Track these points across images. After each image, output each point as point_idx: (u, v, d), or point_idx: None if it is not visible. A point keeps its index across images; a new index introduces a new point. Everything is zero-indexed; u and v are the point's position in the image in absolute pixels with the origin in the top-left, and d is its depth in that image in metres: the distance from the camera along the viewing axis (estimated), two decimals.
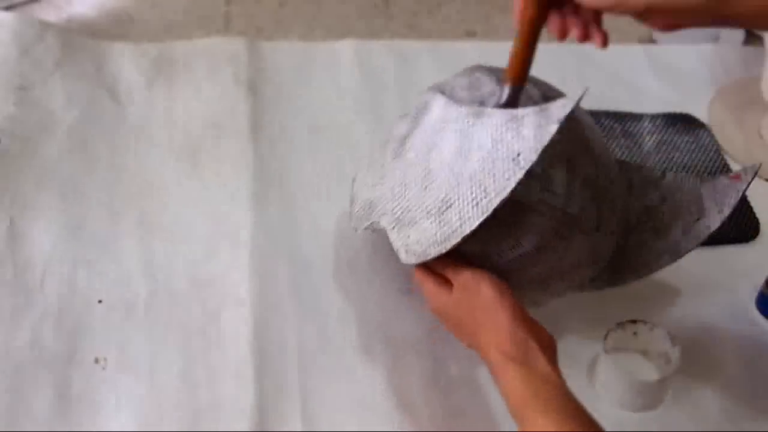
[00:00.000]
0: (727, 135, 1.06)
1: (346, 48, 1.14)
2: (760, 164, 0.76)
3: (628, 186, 0.80)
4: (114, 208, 0.94)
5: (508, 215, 0.67)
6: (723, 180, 0.78)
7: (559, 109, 0.64)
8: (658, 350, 0.81)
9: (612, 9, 0.68)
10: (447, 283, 0.73)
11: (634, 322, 0.81)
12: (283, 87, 1.09)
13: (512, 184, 0.63)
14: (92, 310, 0.85)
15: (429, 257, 0.69)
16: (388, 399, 0.80)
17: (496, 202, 0.64)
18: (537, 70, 1.13)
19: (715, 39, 1.19)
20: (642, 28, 1.23)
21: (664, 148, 1.04)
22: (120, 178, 0.97)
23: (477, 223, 0.64)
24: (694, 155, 1.03)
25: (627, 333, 0.81)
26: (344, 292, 0.88)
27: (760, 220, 0.97)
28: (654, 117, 1.07)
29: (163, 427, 0.77)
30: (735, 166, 1.02)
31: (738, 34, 1.20)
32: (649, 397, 0.80)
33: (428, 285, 0.74)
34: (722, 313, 0.88)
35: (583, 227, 0.71)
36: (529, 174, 0.63)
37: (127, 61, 1.09)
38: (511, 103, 0.72)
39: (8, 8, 1.14)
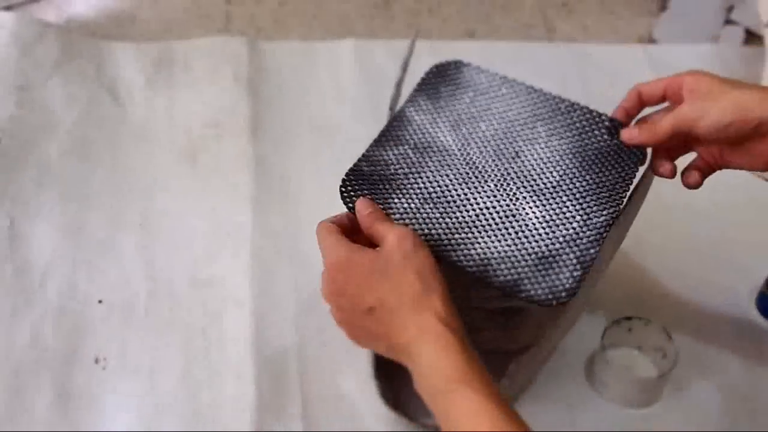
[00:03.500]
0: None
1: (346, 48, 1.14)
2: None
3: None
4: (114, 208, 0.94)
5: None
6: None
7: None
8: (654, 345, 0.82)
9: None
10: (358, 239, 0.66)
11: (629, 318, 0.81)
12: (283, 87, 1.09)
13: None
14: (92, 310, 0.85)
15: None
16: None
17: None
18: (537, 70, 1.14)
19: (715, 39, 1.19)
20: (642, 28, 1.23)
21: None
22: (120, 178, 0.97)
23: None
24: None
25: (622, 329, 0.81)
26: None
27: (760, 219, 0.97)
28: None
29: (163, 427, 0.77)
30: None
31: (738, 34, 1.19)
32: (648, 393, 0.80)
33: (335, 239, 0.65)
34: (722, 313, 0.88)
35: None
36: None
37: (127, 61, 1.09)
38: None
39: (8, 8, 1.14)
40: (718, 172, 0.73)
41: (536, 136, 0.74)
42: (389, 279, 0.60)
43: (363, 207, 0.66)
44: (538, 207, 0.69)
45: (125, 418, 0.78)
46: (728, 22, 1.20)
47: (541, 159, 0.73)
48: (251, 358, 0.82)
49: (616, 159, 0.73)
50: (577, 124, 0.75)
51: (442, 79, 0.80)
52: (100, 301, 0.86)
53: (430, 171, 0.71)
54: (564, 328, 0.80)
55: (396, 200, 0.69)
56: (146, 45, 1.12)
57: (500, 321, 0.74)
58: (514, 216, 0.68)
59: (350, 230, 0.66)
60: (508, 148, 0.73)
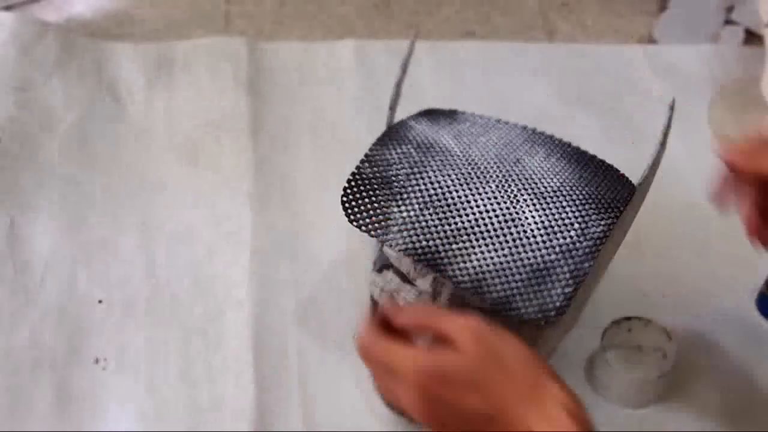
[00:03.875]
0: (727, 135, 1.06)
1: (346, 48, 1.14)
2: None
3: None
4: (114, 207, 0.94)
5: None
6: None
7: None
8: (654, 346, 0.82)
9: None
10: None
11: (628, 319, 0.81)
12: (283, 87, 1.09)
13: None
14: (92, 310, 0.85)
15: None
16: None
17: None
18: (537, 70, 1.14)
19: (715, 39, 1.19)
20: (642, 28, 1.23)
21: None
22: (120, 178, 0.97)
23: None
24: None
25: (622, 330, 0.81)
26: (344, 291, 0.88)
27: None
28: None
29: (163, 427, 0.77)
30: None
31: (738, 34, 1.19)
32: (648, 393, 0.80)
33: (398, 347, 0.57)
34: (722, 313, 0.88)
35: None
36: None
37: (127, 61, 1.09)
38: None
39: (8, 8, 1.14)
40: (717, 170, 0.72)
41: (536, 152, 0.75)
42: (488, 375, 0.54)
43: (411, 311, 0.60)
44: (537, 211, 0.69)
45: (125, 419, 0.78)
46: (728, 22, 1.20)
47: (542, 167, 0.73)
48: (251, 358, 0.82)
49: (614, 178, 0.73)
50: (577, 151, 0.76)
51: (437, 113, 0.80)
52: (100, 301, 0.86)
53: (432, 171, 0.71)
54: (564, 329, 0.80)
55: (395, 208, 0.69)
56: (146, 45, 1.12)
57: (500, 321, 0.74)
58: (513, 220, 0.68)
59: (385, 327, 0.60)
60: (509, 155, 0.74)
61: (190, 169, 0.98)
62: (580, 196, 0.70)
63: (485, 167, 0.72)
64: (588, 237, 0.67)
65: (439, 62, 1.13)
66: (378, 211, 0.69)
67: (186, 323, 0.85)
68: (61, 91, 1.04)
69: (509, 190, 0.70)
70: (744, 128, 1.07)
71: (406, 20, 1.22)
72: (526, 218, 0.68)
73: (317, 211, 0.95)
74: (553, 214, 0.69)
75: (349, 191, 0.70)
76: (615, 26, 1.22)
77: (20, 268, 0.87)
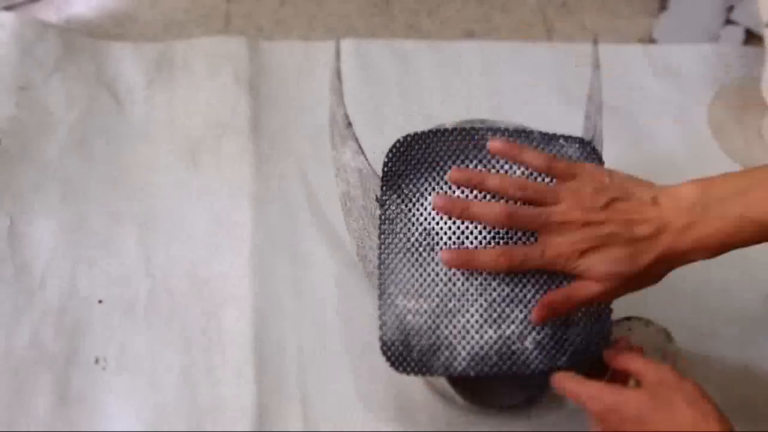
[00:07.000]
0: (727, 135, 1.06)
1: (346, 48, 1.14)
2: None
3: None
4: (114, 207, 0.94)
5: None
6: None
7: None
8: (654, 346, 0.81)
9: None
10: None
11: (628, 318, 0.81)
12: (283, 86, 1.09)
13: None
14: (92, 310, 0.85)
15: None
16: (388, 399, 0.80)
17: None
18: (537, 70, 1.14)
19: (715, 39, 1.20)
20: (642, 28, 1.23)
21: None
22: (120, 178, 0.97)
23: None
24: None
25: (622, 330, 0.81)
26: (344, 291, 0.88)
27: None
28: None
29: (163, 427, 0.78)
30: (735, 167, 1.02)
31: (738, 34, 1.20)
32: None
33: (593, 386, 0.66)
34: (723, 313, 0.88)
35: None
36: None
37: (127, 61, 1.09)
38: None
39: (8, 8, 1.14)
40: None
41: None
42: (660, 413, 0.61)
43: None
44: None
45: (125, 419, 0.78)
46: (728, 22, 1.20)
47: None
48: (251, 358, 0.82)
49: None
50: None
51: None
52: (100, 301, 0.86)
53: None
54: None
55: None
56: (146, 45, 1.12)
57: None
58: None
59: None
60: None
61: (190, 169, 0.98)
62: None
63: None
64: None
65: (439, 62, 1.13)
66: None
67: (186, 323, 0.85)
68: (61, 91, 1.04)
69: None
70: (744, 128, 1.07)
71: (406, 20, 1.22)
72: None
73: (317, 210, 0.95)
74: None
75: None
76: (615, 26, 1.22)
77: (20, 268, 0.87)
